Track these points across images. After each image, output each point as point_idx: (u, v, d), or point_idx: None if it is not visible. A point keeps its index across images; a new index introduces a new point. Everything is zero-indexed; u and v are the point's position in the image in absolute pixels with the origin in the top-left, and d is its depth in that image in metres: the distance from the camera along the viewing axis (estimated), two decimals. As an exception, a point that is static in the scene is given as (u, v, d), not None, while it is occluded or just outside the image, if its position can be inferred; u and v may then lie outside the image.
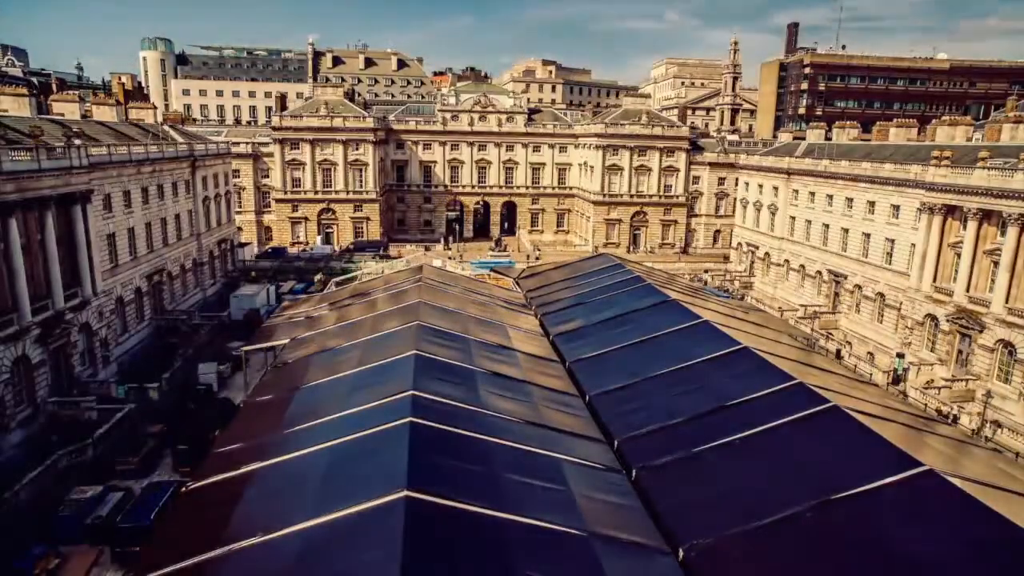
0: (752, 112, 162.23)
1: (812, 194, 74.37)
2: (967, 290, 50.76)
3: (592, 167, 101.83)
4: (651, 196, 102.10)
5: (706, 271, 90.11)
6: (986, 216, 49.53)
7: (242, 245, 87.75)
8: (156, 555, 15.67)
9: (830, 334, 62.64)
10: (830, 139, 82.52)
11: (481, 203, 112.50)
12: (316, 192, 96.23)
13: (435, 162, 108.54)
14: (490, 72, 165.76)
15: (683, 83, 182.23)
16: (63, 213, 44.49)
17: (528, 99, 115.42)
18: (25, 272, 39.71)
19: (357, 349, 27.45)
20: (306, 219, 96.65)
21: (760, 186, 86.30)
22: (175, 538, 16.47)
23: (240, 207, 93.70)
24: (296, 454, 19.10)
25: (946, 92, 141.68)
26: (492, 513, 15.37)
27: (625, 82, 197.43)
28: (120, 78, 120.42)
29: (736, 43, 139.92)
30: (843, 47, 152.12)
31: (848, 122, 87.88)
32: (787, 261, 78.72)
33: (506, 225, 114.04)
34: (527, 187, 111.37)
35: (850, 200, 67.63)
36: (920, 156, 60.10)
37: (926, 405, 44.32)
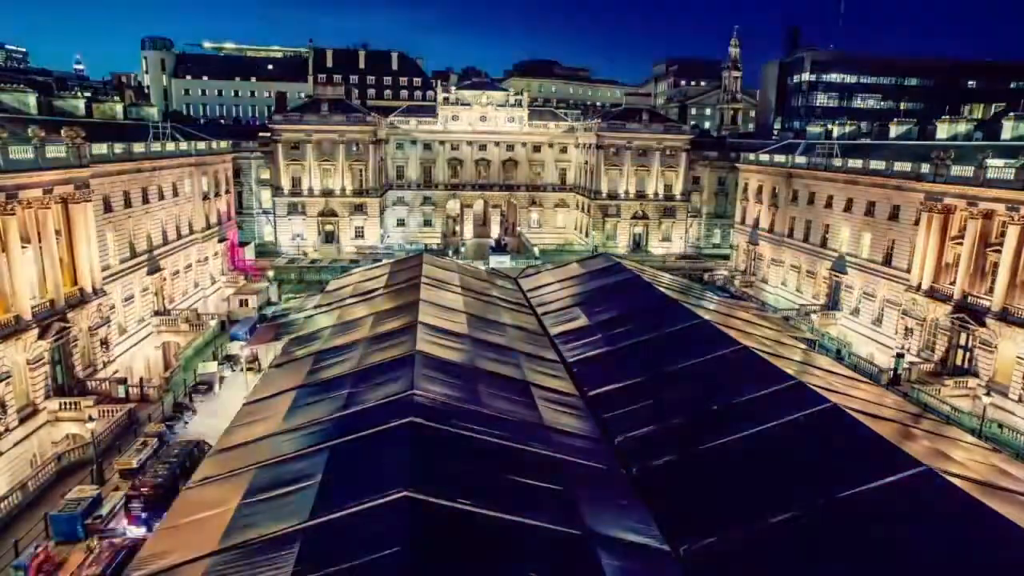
0: (752, 111, 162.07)
1: (812, 193, 74.29)
2: (967, 289, 50.76)
3: (592, 166, 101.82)
4: (651, 195, 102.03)
5: (706, 271, 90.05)
6: (986, 216, 49.52)
7: (243, 244, 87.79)
8: (157, 554, 15.67)
9: (830, 334, 62.62)
10: (830, 138, 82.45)
11: (481, 203, 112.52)
12: (316, 191, 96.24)
13: (435, 162, 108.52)
14: (490, 72, 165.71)
15: (683, 82, 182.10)
16: (64, 212, 44.52)
17: (528, 98, 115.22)
18: (25, 271, 39.76)
19: (357, 348, 27.46)
20: (306, 218, 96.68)
21: (760, 186, 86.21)
22: (175, 537, 16.47)
23: (240, 206, 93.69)
24: (296, 453, 19.11)
25: (947, 89, 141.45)
26: (492, 514, 15.38)
27: (625, 81, 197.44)
28: (121, 77, 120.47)
29: (737, 43, 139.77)
30: (843, 45, 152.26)
31: (848, 120, 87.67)
32: (787, 261, 78.70)
33: (506, 225, 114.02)
34: (527, 187, 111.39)
35: (850, 199, 67.57)
36: (920, 155, 60.02)
37: (926, 405, 44.31)
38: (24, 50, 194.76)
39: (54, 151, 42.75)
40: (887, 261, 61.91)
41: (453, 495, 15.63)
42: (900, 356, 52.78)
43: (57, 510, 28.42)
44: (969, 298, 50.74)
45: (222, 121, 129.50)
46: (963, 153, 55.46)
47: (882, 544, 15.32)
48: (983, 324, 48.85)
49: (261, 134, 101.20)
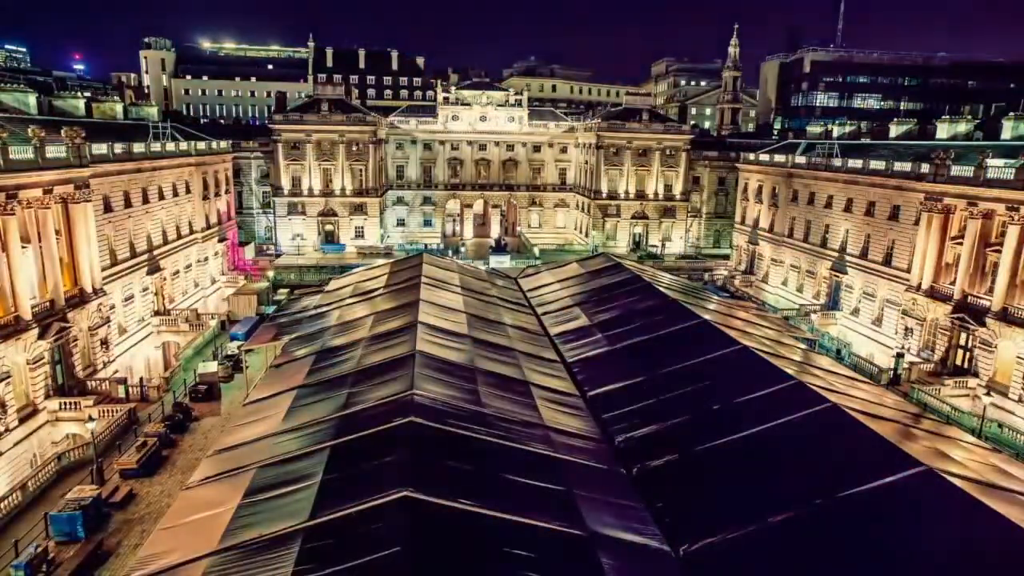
0: (752, 111, 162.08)
1: (812, 193, 74.27)
2: (967, 289, 50.75)
3: (592, 166, 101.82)
4: (651, 195, 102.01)
5: (706, 271, 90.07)
6: (986, 216, 49.51)
7: (243, 244, 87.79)
8: (157, 554, 15.66)
9: (830, 334, 62.61)
10: (830, 137, 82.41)
11: (481, 203, 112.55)
12: (316, 191, 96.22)
13: (435, 161, 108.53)
14: (491, 72, 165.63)
15: (683, 82, 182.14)
16: (64, 212, 44.50)
17: (528, 98, 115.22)
18: (25, 271, 39.74)
19: (357, 348, 27.47)
20: (306, 218, 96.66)
21: (760, 185, 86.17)
22: (175, 537, 16.47)
23: (240, 206, 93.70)
24: (296, 453, 19.12)
25: (947, 89, 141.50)
26: (492, 513, 15.38)
27: (625, 81, 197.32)
28: (121, 77, 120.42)
29: (737, 43, 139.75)
30: (843, 45, 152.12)
31: (848, 120, 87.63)
32: (787, 260, 78.69)
33: (506, 224, 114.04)
34: (527, 186, 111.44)
35: (850, 199, 67.57)
36: (920, 155, 60.02)
37: (926, 405, 44.32)
38: (24, 50, 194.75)
39: (54, 151, 42.74)
40: (887, 261, 61.90)
41: (453, 495, 15.63)
42: (900, 356, 52.76)
43: (57, 510, 28.41)
44: (969, 298, 50.75)
45: (222, 121, 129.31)
46: (963, 153, 55.43)
47: (882, 544, 15.32)
48: (983, 324, 48.84)
49: (261, 135, 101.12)
